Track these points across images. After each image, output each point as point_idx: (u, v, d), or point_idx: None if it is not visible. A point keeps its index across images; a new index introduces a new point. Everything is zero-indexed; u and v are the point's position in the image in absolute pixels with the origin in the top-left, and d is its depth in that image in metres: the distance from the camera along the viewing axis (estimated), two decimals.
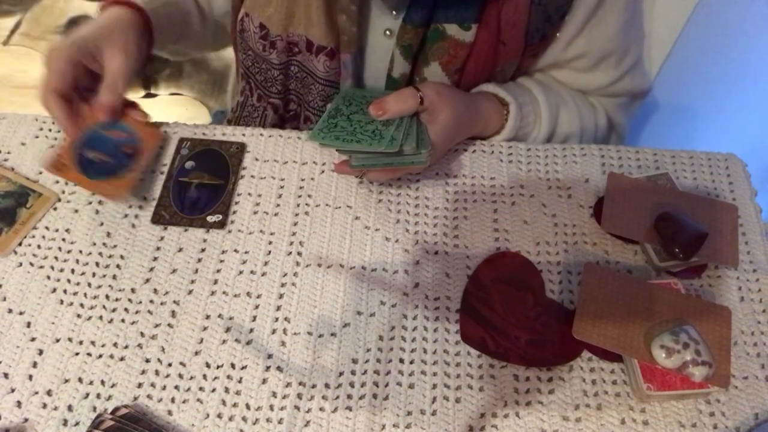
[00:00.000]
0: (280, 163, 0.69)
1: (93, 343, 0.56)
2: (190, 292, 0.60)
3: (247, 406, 0.54)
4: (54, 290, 0.59)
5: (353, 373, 0.55)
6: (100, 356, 0.56)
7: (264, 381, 0.55)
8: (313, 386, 0.55)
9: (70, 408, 0.53)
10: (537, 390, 0.55)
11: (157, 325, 0.58)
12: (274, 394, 0.54)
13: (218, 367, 0.56)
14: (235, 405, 0.54)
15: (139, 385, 0.55)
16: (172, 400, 0.54)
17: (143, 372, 0.55)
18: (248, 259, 0.62)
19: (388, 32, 0.68)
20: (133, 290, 0.60)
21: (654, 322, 0.55)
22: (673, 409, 0.54)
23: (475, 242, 0.63)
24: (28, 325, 0.57)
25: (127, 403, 0.54)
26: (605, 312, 0.56)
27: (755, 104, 1.05)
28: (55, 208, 0.65)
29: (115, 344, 0.56)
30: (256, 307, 0.59)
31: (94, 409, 0.53)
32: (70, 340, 0.57)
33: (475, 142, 0.71)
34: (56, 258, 0.61)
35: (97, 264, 0.61)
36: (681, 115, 1.10)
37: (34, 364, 0.55)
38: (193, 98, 1.82)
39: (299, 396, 0.54)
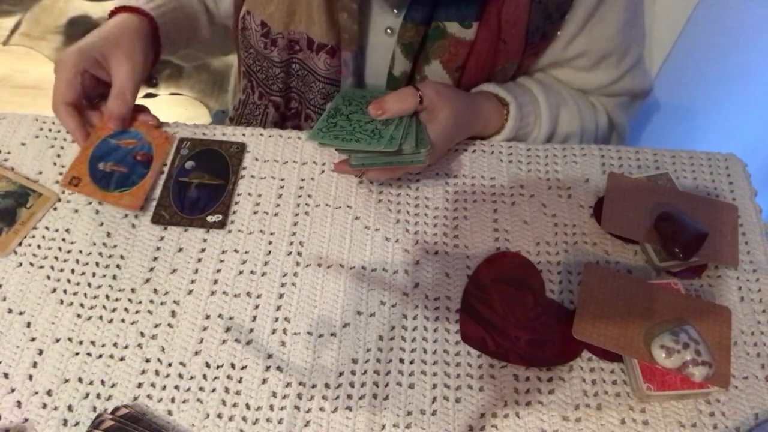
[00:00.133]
0: (280, 163, 0.69)
1: (93, 343, 0.57)
2: (190, 292, 0.60)
3: (247, 406, 0.54)
4: (54, 290, 0.59)
5: (353, 373, 0.55)
6: (100, 356, 0.56)
7: (264, 381, 0.55)
8: (313, 386, 0.55)
9: (70, 408, 0.53)
10: (537, 390, 0.55)
11: (157, 325, 0.58)
12: (274, 394, 0.54)
13: (218, 367, 0.56)
14: (235, 405, 0.54)
15: (139, 385, 0.55)
16: (172, 400, 0.54)
17: (143, 372, 0.55)
18: (248, 259, 0.62)
19: (389, 30, 0.68)
20: (133, 290, 0.60)
21: (654, 322, 0.55)
22: (673, 409, 0.54)
23: (475, 242, 0.63)
24: (28, 325, 0.57)
25: (127, 403, 0.54)
26: (605, 312, 0.56)
27: (755, 104, 1.05)
28: (55, 208, 0.65)
29: (115, 344, 0.56)
30: (256, 307, 0.59)
31: (94, 409, 0.53)
32: (70, 340, 0.57)
33: (475, 142, 0.71)
34: (56, 258, 0.61)
35: (97, 264, 0.61)
36: (681, 115, 1.10)
37: (34, 364, 0.55)
38: (193, 98, 1.82)
39: (299, 396, 0.54)
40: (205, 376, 0.55)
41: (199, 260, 0.62)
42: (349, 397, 0.54)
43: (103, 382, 0.55)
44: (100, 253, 0.62)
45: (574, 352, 0.57)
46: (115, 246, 0.62)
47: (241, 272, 0.61)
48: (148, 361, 0.56)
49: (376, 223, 0.64)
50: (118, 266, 0.61)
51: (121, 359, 0.56)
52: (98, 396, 0.54)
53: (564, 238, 0.64)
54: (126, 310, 0.58)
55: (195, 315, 0.58)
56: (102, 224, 0.64)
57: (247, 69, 0.78)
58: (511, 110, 0.70)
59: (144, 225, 0.64)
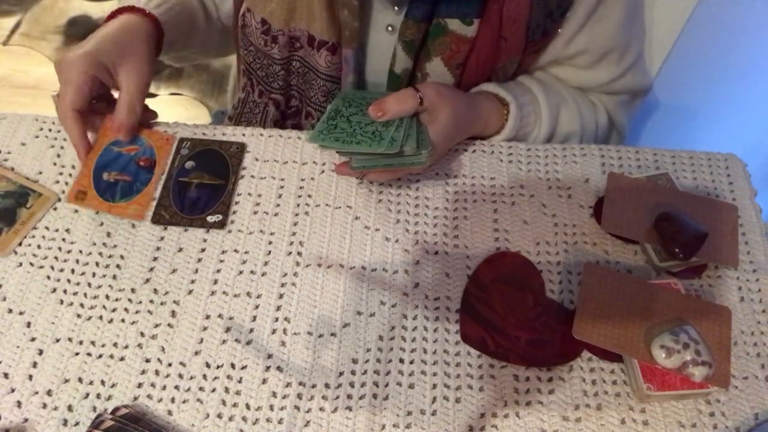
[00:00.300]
0: (280, 163, 0.69)
1: (93, 343, 0.57)
2: (190, 292, 0.60)
3: (247, 406, 0.54)
4: (54, 290, 0.59)
5: (353, 373, 0.55)
6: (100, 356, 0.56)
7: (264, 381, 0.55)
8: (313, 386, 0.55)
9: (70, 408, 0.53)
10: (537, 390, 0.55)
11: (157, 325, 0.58)
12: (274, 394, 0.54)
13: (218, 367, 0.56)
14: (235, 405, 0.54)
15: (139, 385, 0.55)
16: (172, 400, 0.54)
17: (143, 372, 0.55)
18: (248, 259, 0.62)
19: (389, 28, 0.68)
20: (133, 290, 0.60)
21: (654, 322, 0.55)
22: (673, 409, 0.54)
23: (475, 242, 0.63)
24: (28, 325, 0.57)
25: (127, 403, 0.54)
26: (605, 312, 0.56)
27: (755, 104, 1.05)
28: (55, 208, 0.65)
29: (115, 344, 0.56)
30: (256, 307, 0.59)
31: (94, 409, 0.53)
32: (70, 340, 0.57)
33: (475, 142, 0.71)
34: (56, 258, 0.61)
35: (97, 264, 0.61)
36: (681, 115, 1.10)
37: (34, 364, 0.55)
38: (193, 98, 1.82)
39: (299, 396, 0.54)
40: (205, 376, 0.55)
41: (199, 260, 0.62)
42: (349, 397, 0.54)
43: (103, 382, 0.55)
44: (100, 253, 0.62)
45: (574, 352, 0.57)
46: (115, 246, 0.62)
47: (241, 272, 0.61)
48: (148, 361, 0.56)
49: (376, 223, 0.64)
50: (118, 266, 0.61)
51: (121, 359, 0.56)
52: (98, 396, 0.54)
53: (564, 238, 0.64)
54: (126, 310, 0.58)
55: (195, 315, 0.58)
56: (102, 224, 0.64)
57: (247, 67, 0.78)
58: (512, 110, 0.70)
59: (144, 225, 0.64)
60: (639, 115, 0.96)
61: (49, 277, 0.60)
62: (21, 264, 0.61)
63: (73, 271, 0.60)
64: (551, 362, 0.56)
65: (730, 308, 0.56)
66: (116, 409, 0.53)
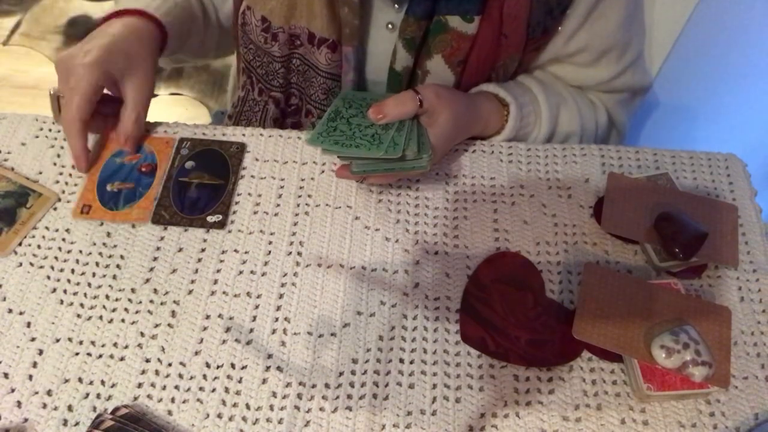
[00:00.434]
0: (280, 163, 0.69)
1: (93, 343, 0.56)
2: (190, 292, 0.60)
3: (247, 406, 0.54)
4: (54, 290, 0.59)
5: (353, 373, 0.55)
6: (100, 356, 0.56)
7: (264, 381, 0.55)
8: (313, 386, 0.55)
9: (70, 408, 0.53)
10: (537, 390, 0.55)
11: (157, 325, 0.58)
12: (274, 394, 0.54)
13: (218, 367, 0.56)
14: (235, 405, 0.54)
15: (139, 385, 0.55)
16: (172, 400, 0.54)
17: (143, 372, 0.55)
18: (248, 259, 0.62)
19: (390, 25, 0.68)
20: (133, 290, 0.60)
21: (654, 322, 0.55)
22: (673, 409, 0.54)
23: (475, 242, 0.63)
24: (28, 325, 0.57)
25: (127, 403, 0.54)
26: (605, 312, 0.56)
27: (755, 104, 1.05)
28: (55, 208, 0.65)
29: (115, 344, 0.56)
30: (256, 307, 0.59)
31: (94, 409, 0.53)
32: (70, 340, 0.57)
33: (475, 142, 0.71)
34: (56, 258, 0.61)
35: (97, 264, 0.61)
36: (681, 115, 1.10)
37: (34, 364, 0.55)
38: (193, 98, 1.82)
39: (299, 396, 0.54)
40: (205, 376, 0.55)
41: (199, 260, 0.62)
42: (349, 397, 0.54)
43: (103, 382, 0.55)
44: (100, 253, 0.62)
45: (574, 352, 0.57)
46: (115, 246, 0.62)
47: (241, 272, 0.61)
48: (148, 361, 0.56)
49: (376, 223, 0.64)
50: (118, 266, 0.61)
51: (121, 359, 0.56)
52: (98, 396, 0.54)
53: (564, 238, 0.64)
54: (126, 310, 0.58)
55: (195, 315, 0.58)
56: (102, 224, 0.64)
57: (247, 65, 0.78)
58: (511, 111, 0.70)
59: (144, 225, 0.64)
60: (639, 115, 0.96)
61: (49, 277, 0.60)
62: (21, 264, 0.61)
63: (73, 271, 0.60)
64: (551, 362, 0.56)
65: (730, 308, 0.56)
66: (116, 409, 0.53)
